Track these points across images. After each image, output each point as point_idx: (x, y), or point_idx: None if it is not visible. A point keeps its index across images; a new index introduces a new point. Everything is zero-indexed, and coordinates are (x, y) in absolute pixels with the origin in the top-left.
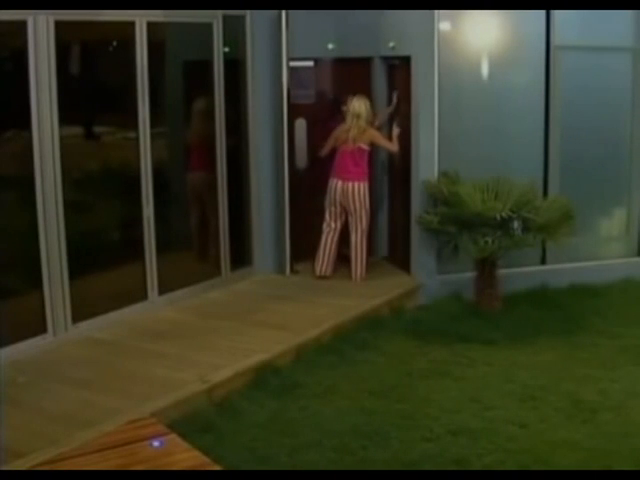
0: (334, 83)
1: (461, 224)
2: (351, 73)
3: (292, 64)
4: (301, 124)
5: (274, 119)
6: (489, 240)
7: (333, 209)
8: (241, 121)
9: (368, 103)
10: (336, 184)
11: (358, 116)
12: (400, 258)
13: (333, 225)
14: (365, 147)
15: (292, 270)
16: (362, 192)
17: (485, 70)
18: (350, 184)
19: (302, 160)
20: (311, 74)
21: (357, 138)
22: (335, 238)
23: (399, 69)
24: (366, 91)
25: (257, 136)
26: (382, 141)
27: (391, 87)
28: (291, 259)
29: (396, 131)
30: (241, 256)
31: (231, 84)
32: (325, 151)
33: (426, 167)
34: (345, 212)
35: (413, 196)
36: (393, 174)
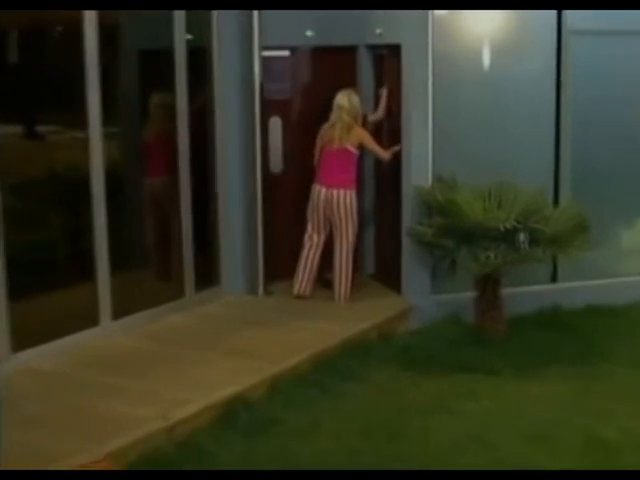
0: (314, 76)
1: (459, 236)
2: (333, 64)
3: (265, 54)
4: (276, 123)
5: (245, 117)
6: (491, 255)
7: (316, 219)
8: (207, 119)
9: (356, 97)
10: (319, 191)
11: (340, 108)
12: (389, 276)
13: (316, 238)
14: (352, 149)
15: (266, 290)
16: (348, 202)
17: (487, 59)
18: (335, 192)
19: (277, 164)
20: (287, 65)
21: (343, 137)
22: (317, 253)
23: (388, 59)
24: (350, 85)
25: (225, 136)
26: (372, 144)
27: (379, 80)
28: (265, 278)
29: (395, 148)
30: (207, 275)
31: (195, 77)
32: (317, 157)
33: (418, 171)
34: (330, 223)
35: (404, 204)
36: (381, 179)
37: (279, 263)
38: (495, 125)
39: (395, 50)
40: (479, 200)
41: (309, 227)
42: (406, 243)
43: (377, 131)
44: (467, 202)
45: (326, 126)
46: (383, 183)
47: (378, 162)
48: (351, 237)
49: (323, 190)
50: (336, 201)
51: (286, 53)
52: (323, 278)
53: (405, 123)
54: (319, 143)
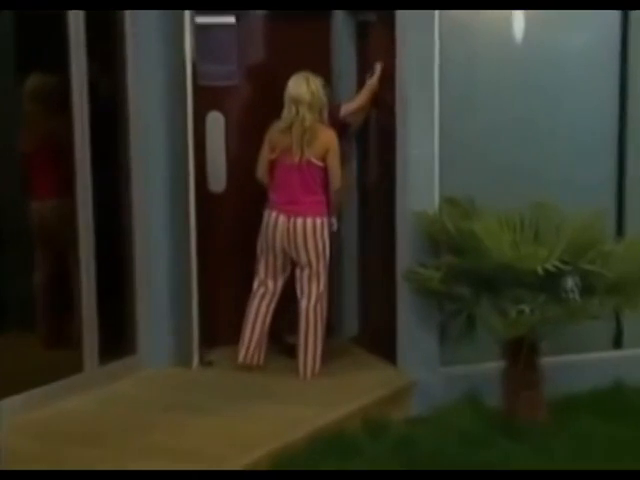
0: (271, 53)
1: (479, 283)
2: (298, 36)
3: (200, 20)
4: (216, 121)
5: (172, 113)
6: (526, 309)
7: (271, 259)
8: (117, 117)
9: (316, 81)
10: (276, 220)
11: (297, 102)
12: (380, 340)
13: (270, 285)
14: (318, 162)
15: (203, 361)
16: (319, 233)
17: (519, 29)
18: (300, 220)
19: (218, 180)
20: (232, 37)
21: (304, 145)
22: (272, 306)
23: (376, 29)
24: (322, 65)
25: (144, 140)
26: (334, 161)
27: (363, 60)
28: (201, 343)
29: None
30: (118, 339)
31: (99, 53)
32: (262, 171)
33: (420, 190)
34: (291, 264)
35: (399, 237)
36: (367, 200)
37: (221, 322)
38: (530, 124)
39: (387, 16)
40: (507, 230)
41: (260, 270)
42: (403, 292)
43: (362, 134)
44: (490, 233)
45: (277, 127)
46: (370, 206)
47: (364, 173)
48: (323, 284)
49: (281, 219)
50: (301, 234)
51: (231, 20)
52: (283, 342)
53: (400, 121)
54: (267, 151)
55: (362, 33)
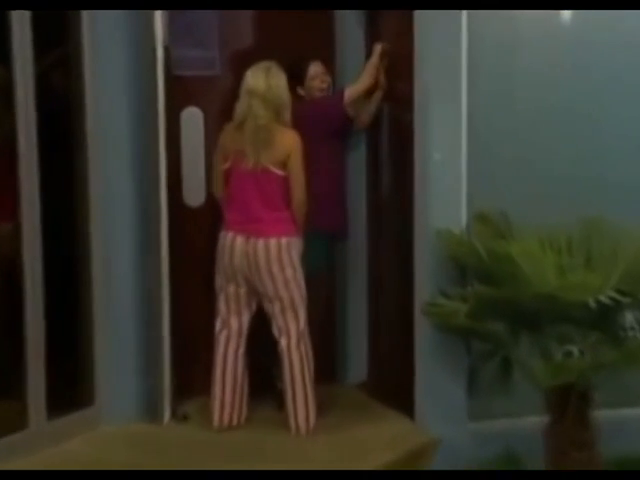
0: (260, 36)
1: (516, 318)
2: (294, 17)
3: None
4: (193, 118)
5: (138, 108)
6: (575, 350)
7: (232, 291)
8: (71, 113)
9: (280, 75)
10: (232, 243)
11: (251, 94)
12: (393, 387)
13: (235, 324)
14: (276, 170)
15: (177, 415)
16: (286, 257)
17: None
18: (261, 242)
19: (195, 192)
20: (213, 16)
21: (260, 145)
22: (241, 350)
23: (388, 11)
24: (323, 52)
25: (104, 143)
26: (297, 170)
27: (373, 46)
28: (174, 393)
29: None
30: (71, 389)
31: (50, 36)
32: (219, 185)
33: (444, 203)
34: (257, 296)
35: (418, 262)
36: (377, 215)
37: (199, 366)
38: (579, 123)
39: None
40: (551, 253)
41: (221, 306)
42: (422, 329)
43: (372, 134)
44: (530, 257)
45: (229, 128)
46: (382, 222)
47: (374, 182)
48: (303, 319)
49: (239, 241)
50: (264, 258)
51: None
52: (274, 389)
53: (420, 119)
54: (220, 160)
55: (372, 13)
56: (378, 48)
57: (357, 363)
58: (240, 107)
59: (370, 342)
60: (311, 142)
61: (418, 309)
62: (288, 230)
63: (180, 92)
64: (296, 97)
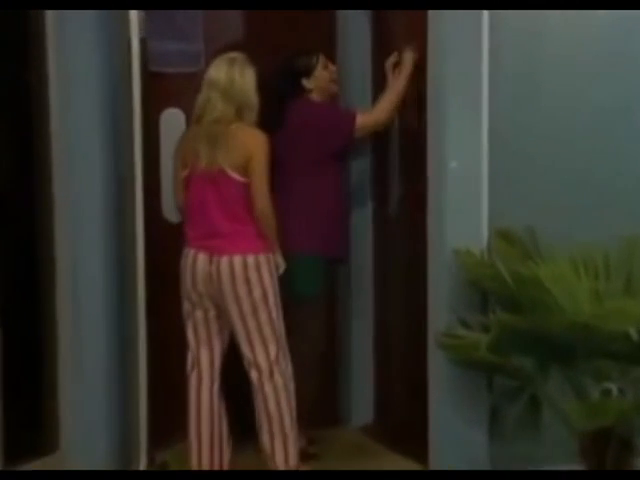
0: (250, 28)
1: (546, 351)
2: (290, 12)
3: None
4: (174, 120)
5: (111, 109)
6: (613, 388)
7: (200, 317)
8: (34, 116)
9: (247, 69)
10: (194, 261)
11: (210, 87)
12: (403, 430)
13: (205, 358)
14: (235, 175)
15: (154, 462)
16: (253, 277)
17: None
18: (225, 260)
19: (177, 204)
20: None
21: (217, 146)
22: (215, 388)
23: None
24: (323, 49)
25: (72, 149)
26: (261, 177)
27: (380, 45)
28: (151, 437)
29: None
30: (32, 433)
31: (8, 27)
32: (179, 197)
33: (462, 219)
34: (228, 321)
35: (432, 286)
36: (386, 237)
37: (179, 406)
38: (616, 129)
39: None
40: (585, 277)
41: (190, 337)
42: (437, 363)
43: (380, 140)
44: (561, 281)
45: (188, 130)
46: (391, 242)
47: (382, 195)
48: (274, 347)
49: (201, 258)
50: (228, 278)
51: None
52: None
53: (435, 124)
54: (179, 161)
55: (379, 12)
56: (409, 56)
57: (362, 403)
58: (198, 101)
59: (377, 379)
60: (307, 156)
61: (432, 340)
62: (255, 246)
63: (159, 91)
64: (300, 95)
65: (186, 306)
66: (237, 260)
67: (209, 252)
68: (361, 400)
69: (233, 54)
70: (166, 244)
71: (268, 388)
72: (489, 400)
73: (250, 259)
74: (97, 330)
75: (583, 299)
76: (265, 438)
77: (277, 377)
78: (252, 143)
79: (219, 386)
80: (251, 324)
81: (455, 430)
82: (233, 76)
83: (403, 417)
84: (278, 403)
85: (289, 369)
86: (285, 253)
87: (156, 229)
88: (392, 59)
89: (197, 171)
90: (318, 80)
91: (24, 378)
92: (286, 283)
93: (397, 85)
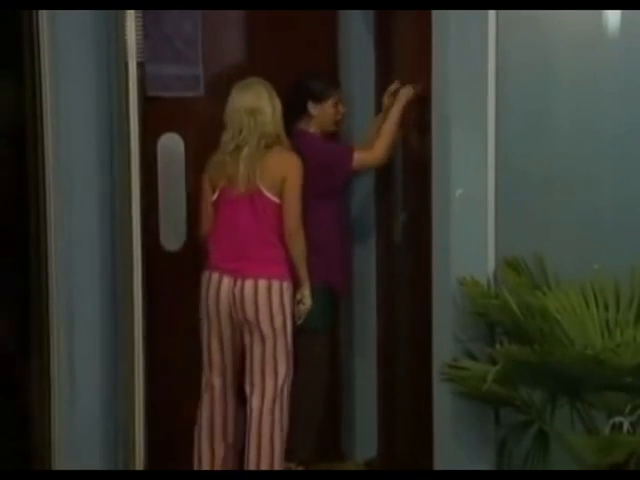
0: (250, 50)
1: (555, 384)
2: (290, 25)
3: None
4: (172, 146)
5: (107, 135)
6: (625, 423)
7: (216, 344)
8: (27, 143)
9: (274, 94)
10: (218, 285)
11: (251, 115)
12: (408, 464)
13: (218, 384)
14: (271, 196)
15: None
16: (276, 303)
17: (613, 15)
18: (249, 283)
19: (175, 233)
20: (196, 28)
21: (257, 166)
22: (230, 417)
23: (402, 15)
24: (325, 67)
25: (68, 174)
26: (294, 199)
27: (385, 60)
28: (149, 458)
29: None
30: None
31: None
32: (207, 224)
33: (468, 248)
34: (242, 345)
35: (436, 317)
36: (389, 266)
37: (178, 442)
38: (632, 152)
39: None
40: (596, 308)
41: (205, 363)
42: (442, 396)
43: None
44: (570, 312)
45: (218, 157)
46: (395, 271)
47: (385, 222)
48: (282, 377)
49: (225, 282)
50: (251, 302)
51: None
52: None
53: (439, 148)
54: (208, 195)
55: (383, 20)
56: (407, 92)
57: (365, 438)
58: (229, 133)
59: (380, 412)
60: (307, 194)
61: (437, 372)
62: (280, 272)
63: (157, 116)
64: (301, 118)
65: (204, 330)
66: (262, 285)
67: (234, 274)
68: (364, 434)
69: (256, 79)
70: (164, 272)
71: (266, 420)
72: (496, 434)
73: (275, 285)
74: (92, 357)
75: (593, 330)
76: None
77: (278, 411)
78: (287, 165)
79: (233, 417)
80: (267, 348)
81: (461, 465)
82: (273, 102)
83: (407, 451)
84: (272, 439)
85: (287, 403)
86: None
87: (153, 256)
88: (392, 87)
89: (230, 194)
90: (324, 112)
91: (15, 413)
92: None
93: (392, 119)
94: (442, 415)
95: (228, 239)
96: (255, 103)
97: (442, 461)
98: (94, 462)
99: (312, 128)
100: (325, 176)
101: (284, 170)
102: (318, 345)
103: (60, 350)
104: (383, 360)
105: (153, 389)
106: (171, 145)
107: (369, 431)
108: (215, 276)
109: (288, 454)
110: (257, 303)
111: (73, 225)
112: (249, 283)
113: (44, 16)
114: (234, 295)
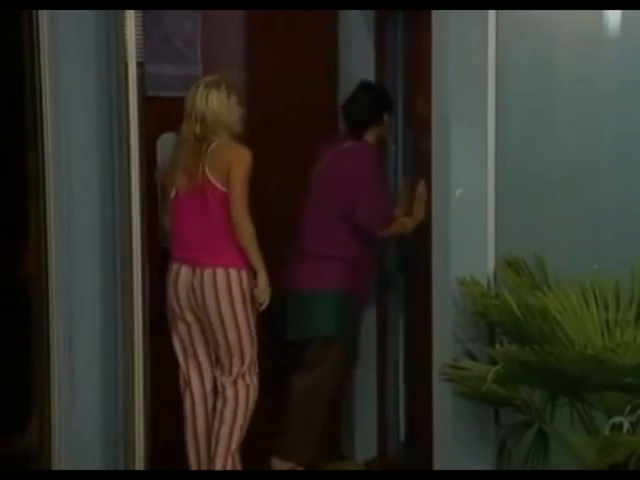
0: (250, 49)
1: (555, 384)
2: (290, 25)
3: None
4: (171, 146)
5: (106, 134)
6: (625, 423)
7: (186, 338)
8: (26, 142)
9: (233, 96)
10: (177, 275)
11: (186, 112)
12: (408, 464)
13: (196, 384)
14: (219, 185)
15: None
16: (236, 291)
17: (614, 15)
18: (208, 272)
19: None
20: (195, 26)
21: (203, 158)
22: (209, 404)
23: (404, 21)
24: (325, 67)
25: (67, 174)
26: (240, 191)
27: (384, 62)
28: (150, 457)
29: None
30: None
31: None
32: (169, 220)
33: (467, 248)
34: (212, 336)
35: (436, 317)
36: (391, 264)
37: (180, 428)
38: (633, 153)
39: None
40: (596, 307)
41: (180, 361)
42: (442, 396)
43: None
44: (570, 312)
45: (173, 156)
46: (394, 270)
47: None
48: (247, 358)
49: (184, 272)
50: (211, 291)
51: None
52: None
53: (439, 148)
54: (168, 189)
55: (383, 22)
56: (423, 191)
57: (365, 438)
58: (186, 132)
59: (380, 412)
60: (342, 201)
61: (437, 373)
62: (238, 262)
63: (156, 115)
64: (366, 135)
65: (170, 321)
66: (219, 273)
67: (192, 264)
68: (364, 434)
69: (212, 78)
70: (164, 272)
71: (230, 392)
72: (496, 434)
73: (232, 273)
74: (90, 363)
75: (593, 330)
76: (212, 443)
77: (241, 385)
78: (234, 156)
79: (213, 402)
80: (232, 339)
81: (461, 465)
82: (226, 102)
83: (407, 451)
84: (235, 410)
85: (254, 387)
86: (307, 291)
87: (153, 256)
88: (420, 189)
89: (183, 188)
90: (390, 122)
91: (12, 413)
92: (307, 321)
93: (417, 219)
94: (442, 415)
95: (184, 230)
96: (212, 97)
97: (442, 461)
98: (94, 462)
99: (373, 138)
100: (350, 211)
101: (230, 160)
102: (332, 352)
103: (60, 350)
104: (382, 361)
105: (153, 389)
106: (170, 144)
107: (369, 431)
108: (174, 267)
109: (289, 454)
110: (217, 292)
111: (73, 225)
112: (208, 272)
113: (44, 16)
114: (193, 286)
